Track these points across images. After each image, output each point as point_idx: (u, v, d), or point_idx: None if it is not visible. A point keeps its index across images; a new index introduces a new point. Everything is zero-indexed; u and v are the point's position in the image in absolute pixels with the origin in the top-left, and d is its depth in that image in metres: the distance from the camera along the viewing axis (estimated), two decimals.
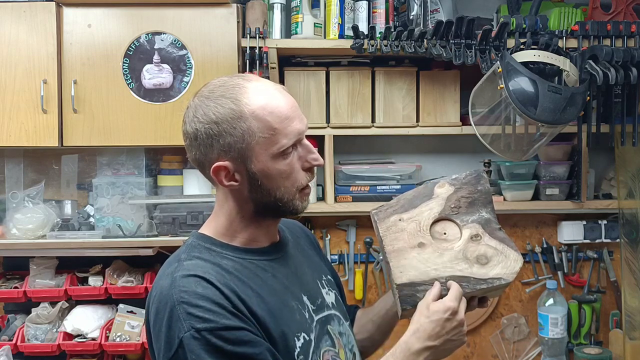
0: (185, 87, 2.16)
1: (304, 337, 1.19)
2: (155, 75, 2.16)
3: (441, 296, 1.24)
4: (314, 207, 2.31)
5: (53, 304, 2.30)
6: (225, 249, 1.20)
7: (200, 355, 1.05)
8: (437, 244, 1.27)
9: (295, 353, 1.16)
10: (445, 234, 1.29)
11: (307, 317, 1.22)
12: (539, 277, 2.53)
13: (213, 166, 1.15)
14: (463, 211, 1.30)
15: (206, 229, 1.24)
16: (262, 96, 1.15)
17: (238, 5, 2.21)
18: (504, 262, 1.27)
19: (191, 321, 1.06)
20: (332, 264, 2.04)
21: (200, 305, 1.07)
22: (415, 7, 2.25)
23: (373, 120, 2.37)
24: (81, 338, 2.25)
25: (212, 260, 1.16)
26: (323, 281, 1.35)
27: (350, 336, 1.35)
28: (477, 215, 1.30)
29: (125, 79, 2.16)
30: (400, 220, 1.28)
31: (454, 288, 1.23)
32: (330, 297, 1.34)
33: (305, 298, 1.24)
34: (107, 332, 2.26)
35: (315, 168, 1.22)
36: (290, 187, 1.18)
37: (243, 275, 1.16)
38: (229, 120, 1.13)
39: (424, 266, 1.25)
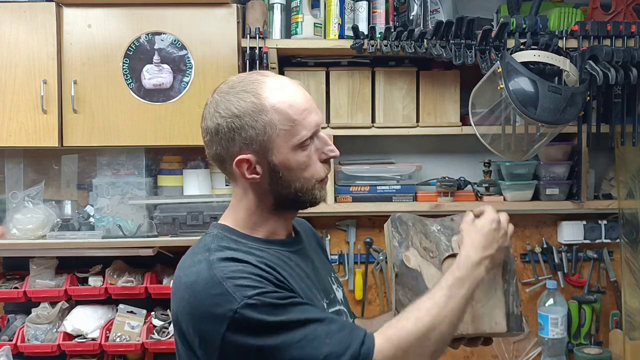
0: (185, 87, 2.16)
1: None
2: (155, 75, 2.16)
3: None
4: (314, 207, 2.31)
5: (53, 304, 2.30)
6: (249, 240, 1.22)
7: (261, 318, 1.07)
8: None
9: None
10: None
11: (325, 308, 1.27)
12: (539, 277, 2.53)
13: (236, 159, 1.18)
14: (434, 250, 1.36)
15: (226, 221, 1.26)
16: (282, 90, 1.19)
17: (238, 5, 2.21)
18: None
19: (241, 292, 1.08)
20: (332, 264, 2.05)
21: (246, 277, 1.10)
22: (415, 7, 2.25)
23: (373, 120, 2.37)
24: (81, 338, 2.25)
25: (243, 249, 1.18)
26: (332, 277, 1.40)
27: None
28: (439, 237, 1.38)
29: (125, 79, 2.16)
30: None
31: (488, 207, 1.32)
32: (339, 293, 1.38)
33: (320, 291, 1.29)
34: (107, 332, 2.26)
35: (331, 160, 1.25)
36: (310, 178, 1.22)
37: (273, 263, 1.18)
38: (250, 114, 1.16)
39: None
